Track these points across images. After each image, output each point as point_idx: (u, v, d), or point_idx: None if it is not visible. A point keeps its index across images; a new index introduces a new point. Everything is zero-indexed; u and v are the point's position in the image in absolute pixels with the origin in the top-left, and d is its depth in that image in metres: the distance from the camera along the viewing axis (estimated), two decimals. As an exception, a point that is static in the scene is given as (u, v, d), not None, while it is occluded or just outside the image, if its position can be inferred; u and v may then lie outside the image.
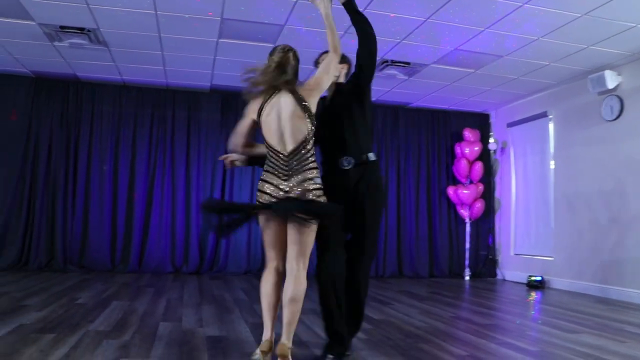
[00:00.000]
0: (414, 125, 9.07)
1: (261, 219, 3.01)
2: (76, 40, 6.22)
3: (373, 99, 8.70)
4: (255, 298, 5.61)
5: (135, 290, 5.92)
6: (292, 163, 2.93)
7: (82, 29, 5.96)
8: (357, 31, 3.29)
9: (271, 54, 3.18)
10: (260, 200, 2.96)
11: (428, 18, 5.40)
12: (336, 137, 3.26)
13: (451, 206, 8.98)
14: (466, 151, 8.75)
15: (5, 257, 7.45)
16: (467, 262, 8.73)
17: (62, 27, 5.94)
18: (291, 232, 2.93)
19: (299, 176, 2.92)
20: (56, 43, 6.42)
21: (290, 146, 2.95)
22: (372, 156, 3.30)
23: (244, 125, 3.12)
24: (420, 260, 8.76)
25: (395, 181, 8.89)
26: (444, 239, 8.92)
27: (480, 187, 8.68)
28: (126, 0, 5.15)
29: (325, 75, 3.12)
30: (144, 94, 8.20)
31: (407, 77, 7.34)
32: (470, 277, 8.61)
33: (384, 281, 7.90)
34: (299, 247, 2.92)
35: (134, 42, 6.31)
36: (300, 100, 2.99)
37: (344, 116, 3.27)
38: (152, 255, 7.90)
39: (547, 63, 6.59)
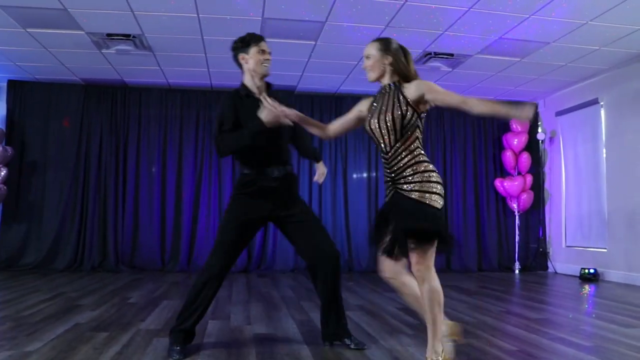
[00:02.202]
0: (459, 118, 8.93)
1: None
2: (122, 47, 6.39)
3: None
4: (302, 295, 5.66)
5: (185, 289, 6.03)
6: None
7: (127, 36, 6.12)
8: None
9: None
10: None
11: (471, 7, 5.29)
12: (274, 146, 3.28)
13: (499, 198, 8.81)
14: (514, 142, 8.56)
15: (61, 259, 7.76)
16: (516, 255, 8.55)
17: (108, 35, 6.11)
18: None
19: None
20: (104, 50, 6.61)
21: None
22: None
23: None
24: (469, 254, 8.63)
25: (441, 174, 8.71)
26: (493, 231, 8.76)
27: (529, 178, 8.48)
28: (169, 5, 5.25)
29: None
30: (189, 96, 8.36)
31: (450, 69, 7.23)
32: (520, 271, 8.43)
33: (432, 276, 7.80)
34: None
35: (177, 46, 6.43)
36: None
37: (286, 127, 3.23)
38: (200, 255, 8.04)
39: (597, 47, 6.36)
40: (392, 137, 2.71)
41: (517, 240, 8.60)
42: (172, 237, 8.12)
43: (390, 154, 2.72)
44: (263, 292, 5.94)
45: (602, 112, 7.56)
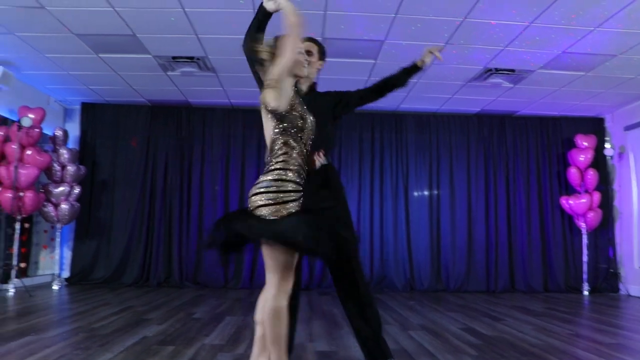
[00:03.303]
0: (522, 134, 8.73)
1: None
2: (187, 69, 6.64)
3: (477, 109, 8.52)
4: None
5: (248, 305, 6.12)
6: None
7: (192, 58, 6.36)
8: (385, 88, 3.31)
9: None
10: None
11: (532, 22, 5.21)
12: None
13: (565, 216, 8.51)
14: (579, 158, 8.27)
15: (128, 274, 8.05)
16: (585, 276, 8.20)
17: (174, 58, 6.36)
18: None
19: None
20: (169, 73, 6.88)
21: None
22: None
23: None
24: (534, 274, 8.36)
25: (504, 192, 8.58)
26: (559, 251, 8.46)
27: (596, 196, 8.15)
28: (231, 28, 5.42)
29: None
30: (251, 115, 8.53)
31: (512, 85, 7.10)
32: (589, 292, 8.08)
33: (496, 296, 7.62)
34: None
35: (240, 67, 6.60)
36: None
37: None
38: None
39: (669, 59, 6.11)
40: None
41: (585, 260, 8.26)
42: (234, 255, 8.24)
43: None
44: (324, 310, 5.95)
45: (676, 126, 7.23)
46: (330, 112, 3.29)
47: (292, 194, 2.48)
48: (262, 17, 2.95)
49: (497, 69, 6.54)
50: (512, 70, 6.57)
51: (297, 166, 2.54)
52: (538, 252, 8.43)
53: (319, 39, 5.66)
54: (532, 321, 5.28)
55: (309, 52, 3.30)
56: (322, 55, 3.39)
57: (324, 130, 3.21)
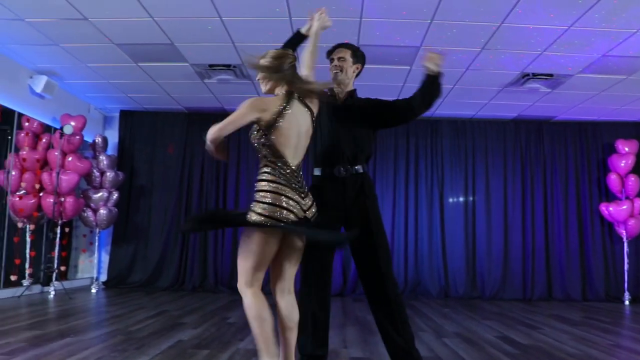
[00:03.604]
0: (560, 140, 8.57)
1: (269, 235, 2.58)
2: (223, 77, 6.74)
3: (514, 114, 8.40)
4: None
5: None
6: (299, 178, 2.70)
7: (228, 66, 6.45)
8: (425, 97, 3.19)
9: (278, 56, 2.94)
10: (282, 216, 2.56)
11: (571, 26, 5.12)
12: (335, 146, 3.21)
13: (605, 224, 8.31)
14: (620, 164, 8.06)
15: (164, 278, 8.17)
16: (626, 285, 7.97)
17: (210, 66, 6.46)
18: (297, 254, 2.78)
19: (310, 196, 2.75)
20: (206, 80, 6.99)
21: (297, 160, 2.72)
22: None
23: (245, 120, 2.72)
24: (572, 282, 8.17)
25: (542, 198, 8.43)
26: (598, 259, 8.25)
27: (638, 202, 7.93)
28: (267, 36, 5.48)
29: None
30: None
31: (550, 90, 6.98)
32: (630, 302, 7.85)
33: (532, 304, 7.48)
34: (296, 269, 2.86)
35: (274, 74, 6.66)
36: (313, 116, 2.82)
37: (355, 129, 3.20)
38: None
39: None
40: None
41: (626, 269, 8.03)
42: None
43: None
44: (359, 316, 5.94)
45: None
46: (366, 121, 3.27)
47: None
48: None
49: (534, 74, 6.44)
50: (550, 75, 6.46)
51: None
52: (576, 259, 8.24)
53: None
54: (570, 330, 5.16)
55: (340, 59, 3.31)
56: (358, 58, 3.35)
57: (356, 138, 3.21)
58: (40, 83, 6.75)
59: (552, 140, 8.59)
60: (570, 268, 8.21)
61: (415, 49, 5.80)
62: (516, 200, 8.43)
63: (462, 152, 8.58)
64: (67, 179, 6.85)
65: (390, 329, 3.11)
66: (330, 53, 3.39)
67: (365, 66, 3.47)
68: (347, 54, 3.33)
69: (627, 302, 7.82)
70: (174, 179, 8.48)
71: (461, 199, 8.53)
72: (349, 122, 3.23)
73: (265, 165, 2.69)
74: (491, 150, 8.59)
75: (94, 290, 7.51)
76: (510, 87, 6.97)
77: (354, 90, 3.38)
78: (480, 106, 7.91)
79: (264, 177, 2.66)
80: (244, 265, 2.62)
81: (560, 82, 6.68)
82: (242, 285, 2.68)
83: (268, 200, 2.56)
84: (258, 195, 2.61)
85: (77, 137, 7.17)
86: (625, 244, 8.03)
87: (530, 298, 8.06)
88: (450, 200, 8.53)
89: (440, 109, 7.97)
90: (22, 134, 6.72)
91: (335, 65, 3.32)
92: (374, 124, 3.31)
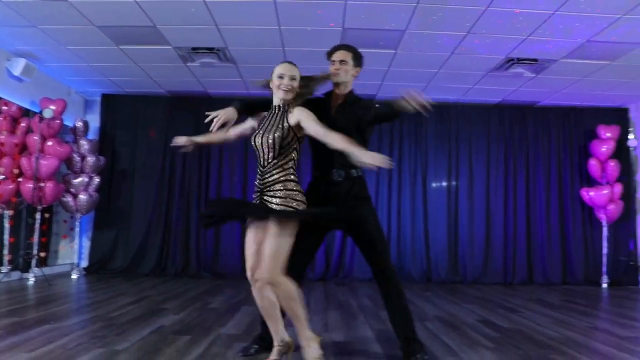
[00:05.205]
0: (543, 125, 8.61)
1: (298, 224, 2.94)
2: (207, 60, 6.64)
3: (498, 99, 8.41)
4: (380, 304, 5.59)
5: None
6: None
7: (212, 49, 6.35)
8: (379, 121, 3.33)
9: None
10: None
11: (556, 10, 5.11)
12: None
13: (585, 209, 8.39)
14: (601, 149, 8.13)
15: (146, 263, 8.12)
16: (604, 269, 8.09)
17: (193, 49, 6.37)
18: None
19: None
20: (189, 63, 6.89)
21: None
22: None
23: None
24: (552, 267, 8.27)
25: (524, 183, 8.49)
26: (578, 243, 8.35)
27: (617, 187, 8.01)
28: (251, 19, 5.41)
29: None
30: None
31: (534, 75, 6.99)
32: (608, 285, 7.97)
33: (513, 288, 7.55)
34: None
35: (259, 58, 6.59)
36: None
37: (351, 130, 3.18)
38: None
39: (695, 49, 5.96)
40: (270, 154, 2.98)
41: (605, 253, 8.14)
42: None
43: (265, 168, 2.99)
44: (341, 300, 5.95)
45: (702, 117, 7.06)
46: (355, 123, 3.26)
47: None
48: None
49: (519, 59, 6.44)
50: (535, 60, 6.47)
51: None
52: (557, 244, 8.34)
53: (338, 29, 5.65)
54: (550, 314, 5.23)
55: (342, 62, 3.29)
56: (357, 61, 3.35)
57: (352, 140, 3.19)
58: (18, 66, 6.60)
59: (535, 125, 8.63)
60: (550, 252, 8.30)
61: (401, 33, 5.76)
62: (498, 185, 8.48)
63: (446, 137, 8.59)
64: (47, 164, 6.73)
65: (393, 314, 3.25)
66: (330, 54, 3.36)
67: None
68: (348, 57, 3.32)
69: (604, 285, 7.94)
70: (156, 164, 8.38)
71: (444, 183, 8.56)
72: (345, 125, 3.21)
73: (292, 167, 3.00)
74: (475, 135, 8.61)
75: (74, 277, 7.44)
76: (494, 72, 6.97)
77: (352, 92, 3.39)
78: (465, 91, 7.91)
79: (291, 178, 2.97)
80: (284, 255, 2.88)
81: (544, 67, 6.69)
82: (277, 274, 2.88)
83: (300, 197, 2.94)
84: (290, 192, 2.92)
85: (57, 121, 7.04)
86: (605, 229, 8.13)
87: (511, 282, 8.15)
88: (434, 185, 8.55)
89: (425, 93, 7.90)
90: (0, 118, 6.58)
91: (337, 68, 3.30)
92: (368, 125, 3.33)
